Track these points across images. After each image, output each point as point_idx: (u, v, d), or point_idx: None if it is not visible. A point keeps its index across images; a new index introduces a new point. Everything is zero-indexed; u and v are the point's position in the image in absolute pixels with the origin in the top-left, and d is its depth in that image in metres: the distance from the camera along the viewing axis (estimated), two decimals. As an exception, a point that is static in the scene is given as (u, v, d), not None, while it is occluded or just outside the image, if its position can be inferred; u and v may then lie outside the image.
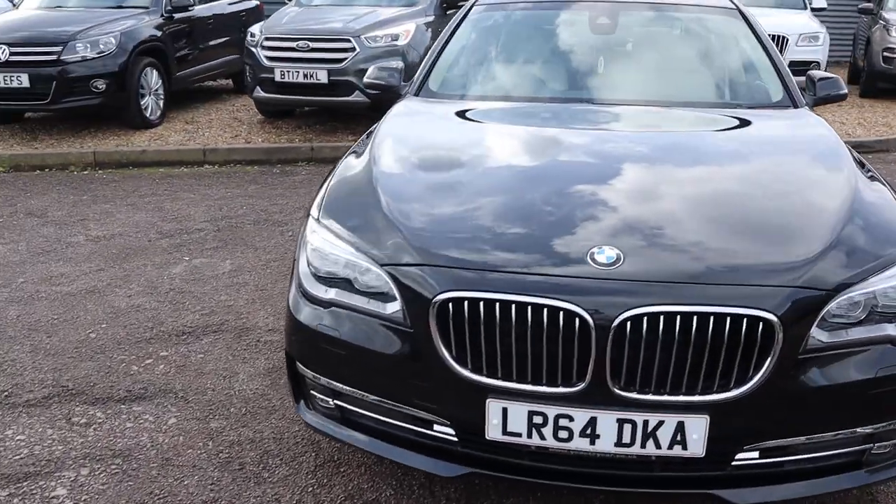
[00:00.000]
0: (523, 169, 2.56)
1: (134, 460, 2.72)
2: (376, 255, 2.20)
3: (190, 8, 8.44)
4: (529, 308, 1.96)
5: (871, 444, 2.14)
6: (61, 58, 7.07)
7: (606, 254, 2.03)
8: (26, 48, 7.05)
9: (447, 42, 3.82)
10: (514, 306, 1.97)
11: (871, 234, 2.22)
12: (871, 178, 2.60)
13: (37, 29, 7.28)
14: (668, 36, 3.72)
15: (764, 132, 2.95)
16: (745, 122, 3.04)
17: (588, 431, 2.00)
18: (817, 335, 2.00)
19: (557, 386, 1.99)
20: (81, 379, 3.26)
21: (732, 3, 3.88)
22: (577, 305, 1.93)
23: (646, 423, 1.97)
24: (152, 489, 2.57)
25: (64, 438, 2.85)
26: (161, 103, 8.04)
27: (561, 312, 1.94)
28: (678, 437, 1.98)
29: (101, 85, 7.23)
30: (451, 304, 2.02)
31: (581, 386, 1.97)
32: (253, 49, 7.64)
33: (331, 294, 2.28)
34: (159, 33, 7.96)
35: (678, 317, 1.92)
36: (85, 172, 6.83)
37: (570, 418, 1.99)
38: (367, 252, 2.23)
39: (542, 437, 2.03)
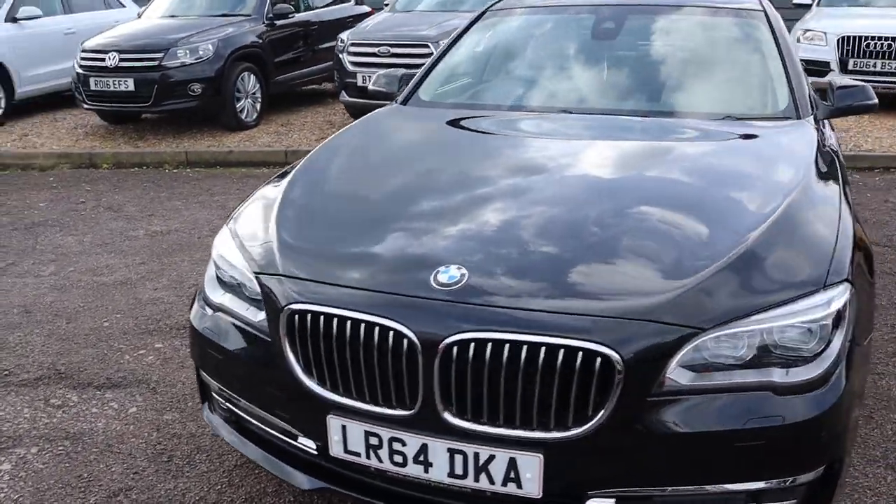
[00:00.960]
0: (423, 184, 2.48)
1: (81, 444, 2.90)
2: (252, 264, 2.23)
3: (291, 16, 8.82)
4: (363, 325, 1.91)
5: None
6: (162, 63, 7.62)
7: (450, 273, 1.94)
8: (133, 55, 7.67)
9: (447, 50, 3.77)
10: (349, 322, 1.93)
11: (777, 266, 1.97)
12: (833, 204, 2.29)
13: (144, 37, 7.89)
14: (677, 42, 3.47)
15: (721, 146, 2.68)
16: (711, 136, 2.79)
17: (421, 458, 1.92)
18: (676, 376, 1.80)
19: (393, 408, 1.93)
20: (75, 364, 3.51)
21: (760, 3, 3.56)
22: (406, 326, 1.86)
23: (477, 455, 1.86)
24: (81, 472, 2.72)
25: (34, 418, 3.08)
26: (258, 106, 8.47)
27: (391, 332, 1.88)
28: (511, 475, 1.85)
29: (197, 88, 7.73)
30: (297, 316, 2.01)
31: (413, 410, 1.89)
32: (340, 55, 7.89)
33: (223, 299, 2.32)
34: (258, 40, 8.39)
35: (507, 345, 1.79)
36: (176, 171, 7.32)
37: (403, 443, 1.92)
38: (248, 259, 2.26)
39: (380, 460, 1.97)
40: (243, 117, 8.26)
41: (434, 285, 1.92)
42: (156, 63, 7.63)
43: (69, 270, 4.71)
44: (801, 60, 9.02)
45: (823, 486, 1.94)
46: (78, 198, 6.36)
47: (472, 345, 1.81)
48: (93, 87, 7.80)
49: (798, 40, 8.80)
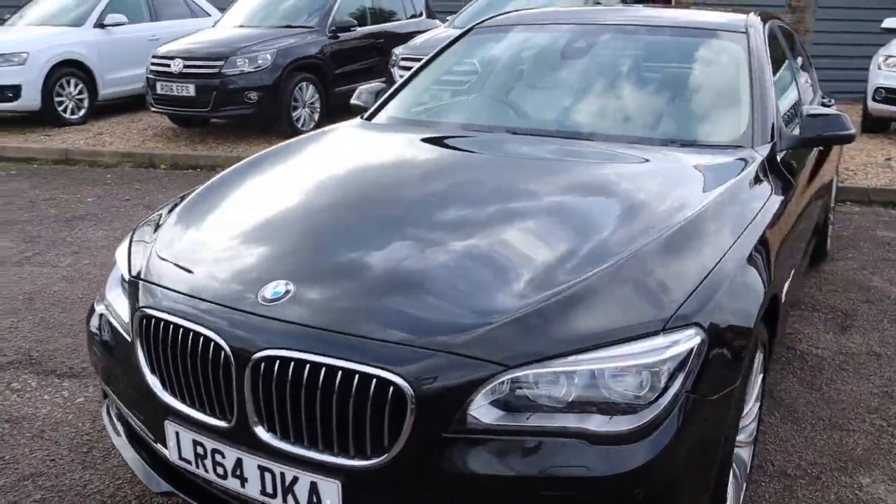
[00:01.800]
0: (307, 201, 2.46)
1: (18, 427, 3.05)
2: (132, 266, 2.30)
3: (353, 29, 9.03)
4: (192, 334, 1.93)
5: None
6: (222, 71, 7.96)
7: (275, 289, 1.93)
8: (196, 62, 8.04)
9: (425, 66, 3.76)
10: (181, 330, 1.96)
11: (621, 302, 1.87)
12: (722, 243, 2.13)
13: (209, 45, 8.26)
14: (648, 64, 3.33)
15: (627, 173, 2.55)
16: (625, 161, 2.67)
17: (237, 472, 1.92)
18: (479, 414, 1.72)
19: (216, 418, 1.93)
20: (49, 352, 3.70)
21: (745, 25, 3.35)
22: (222, 337, 1.87)
23: (283, 475, 1.84)
24: (4, 454, 2.86)
25: (-11, 399, 3.27)
26: (316, 116, 8.69)
27: (212, 343, 1.89)
28: (314, 499, 1.82)
29: (253, 96, 8.02)
30: (145, 319, 2.06)
31: (230, 423, 1.89)
32: (392, 68, 8.00)
33: (114, 299, 2.39)
34: (319, 51, 8.62)
35: (307, 366, 1.77)
36: (225, 174, 7.59)
37: (223, 455, 1.93)
38: (131, 262, 2.33)
39: (206, 470, 1.98)
40: (300, 126, 8.49)
41: (258, 300, 1.92)
42: (216, 70, 7.97)
43: (84, 263, 4.97)
44: (881, 88, 8.46)
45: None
46: (124, 195, 6.71)
47: (278, 362, 1.79)
48: (159, 91, 8.23)
49: (879, 66, 8.25)
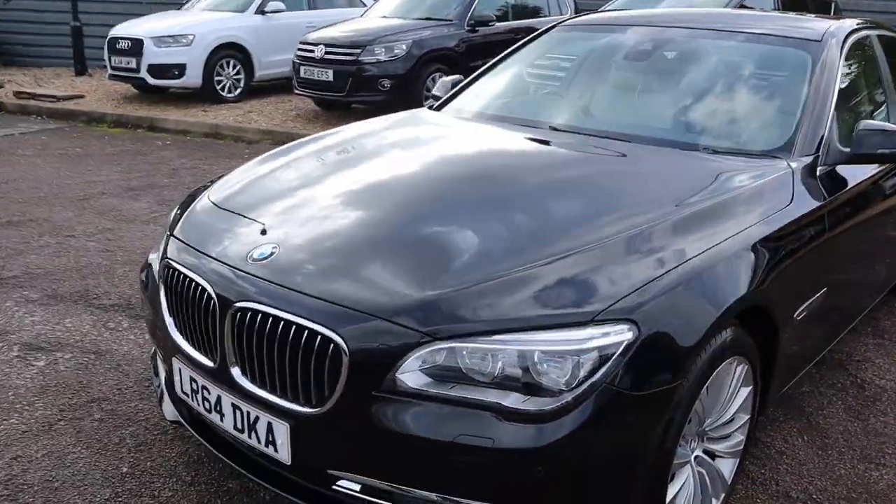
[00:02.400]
0: (331, 177, 2.68)
1: (101, 359, 3.51)
2: (172, 222, 2.63)
3: (491, 24, 9.23)
4: (194, 283, 2.22)
5: None
6: (359, 59, 8.41)
7: (263, 250, 2.16)
8: (336, 48, 8.55)
9: (500, 60, 3.88)
10: (188, 279, 2.25)
11: (562, 290, 1.95)
12: (696, 246, 2.13)
13: (351, 34, 8.74)
14: (708, 69, 3.26)
15: (633, 172, 2.63)
16: (638, 162, 2.72)
17: (218, 408, 2.18)
18: (406, 378, 1.87)
19: (206, 358, 2.20)
20: (147, 299, 4.19)
21: (822, 35, 3.20)
22: (212, 287, 2.13)
23: (248, 414, 2.08)
24: (82, 380, 3.32)
25: (86, 333, 3.77)
26: (446, 106, 8.97)
27: (206, 293, 2.16)
28: (270, 438, 2.04)
29: (386, 84, 8.42)
30: (167, 269, 2.37)
31: (216, 363, 2.15)
32: (519, 63, 8.13)
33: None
34: (455, 44, 8.89)
35: (270, 318, 1.99)
36: (351, 156, 8.05)
37: (208, 391, 2.19)
38: (173, 219, 2.67)
39: (198, 403, 2.25)
40: (428, 115, 8.80)
41: (248, 259, 2.16)
42: (354, 58, 8.44)
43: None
44: None
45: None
46: (255, 169, 7.29)
47: (250, 313, 2.03)
48: (302, 75, 8.83)
49: None
